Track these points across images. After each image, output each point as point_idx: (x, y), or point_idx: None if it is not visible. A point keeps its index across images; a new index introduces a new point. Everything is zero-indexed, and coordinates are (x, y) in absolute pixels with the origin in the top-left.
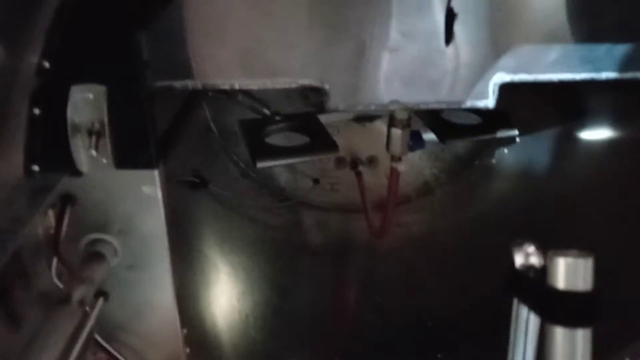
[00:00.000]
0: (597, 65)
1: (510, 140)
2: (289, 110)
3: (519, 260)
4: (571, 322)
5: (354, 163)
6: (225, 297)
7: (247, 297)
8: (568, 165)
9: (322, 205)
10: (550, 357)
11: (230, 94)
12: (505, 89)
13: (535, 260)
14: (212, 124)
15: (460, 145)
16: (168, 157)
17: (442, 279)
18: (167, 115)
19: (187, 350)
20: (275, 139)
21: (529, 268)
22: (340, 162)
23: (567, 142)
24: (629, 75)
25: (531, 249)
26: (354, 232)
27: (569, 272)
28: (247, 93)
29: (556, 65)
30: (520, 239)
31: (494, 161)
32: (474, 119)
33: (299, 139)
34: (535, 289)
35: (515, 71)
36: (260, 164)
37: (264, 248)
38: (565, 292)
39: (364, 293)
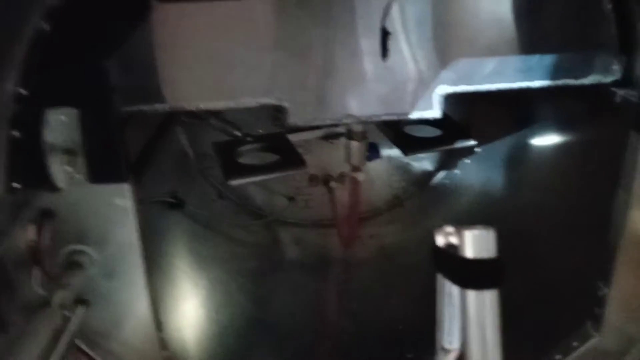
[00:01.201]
0: (530, 75)
1: (469, 151)
2: (259, 131)
3: (440, 240)
4: (480, 284)
5: (326, 180)
6: (204, 310)
7: (226, 310)
8: (525, 169)
9: (298, 221)
10: (466, 319)
11: (203, 118)
12: (464, 103)
13: (453, 239)
14: (188, 148)
15: (426, 159)
16: (144, 176)
17: (413, 285)
18: (143, 138)
19: (166, 352)
20: (248, 159)
21: (449, 246)
22: (312, 179)
23: (523, 148)
24: (559, 82)
25: (450, 229)
26: (328, 246)
27: (475, 243)
28: (219, 116)
29: (493, 76)
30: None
31: (457, 172)
32: (434, 132)
33: (269, 158)
34: (452, 261)
35: (456, 83)
36: (233, 182)
37: (241, 264)
38: (473, 260)
39: (340, 302)
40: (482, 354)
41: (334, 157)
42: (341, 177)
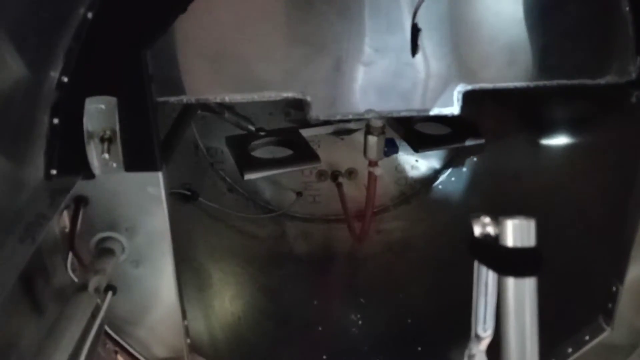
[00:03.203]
0: (548, 74)
1: (479, 149)
2: (272, 126)
3: (477, 229)
4: (520, 272)
5: (335, 175)
6: (218, 300)
7: (239, 300)
8: (533, 169)
9: (306, 216)
10: (505, 306)
11: (217, 112)
12: (474, 102)
13: (490, 229)
14: (199, 143)
15: (433, 156)
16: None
17: (420, 279)
18: (163, 130)
19: (188, 340)
20: (261, 153)
21: (486, 235)
22: (321, 175)
23: (532, 148)
24: (576, 82)
25: (487, 219)
26: (336, 240)
27: (516, 232)
28: (233, 111)
29: (512, 74)
30: (477, 213)
31: (465, 169)
32: (445, 130)
33: (282, 152)
34: (491, 249)
35: (476, 80)
36: (248, 176)
37: (252, 256)
38: (513, 249)
39: (348, 295)
40: (520, 340)
41: (343, 153)
42: (349, 174)
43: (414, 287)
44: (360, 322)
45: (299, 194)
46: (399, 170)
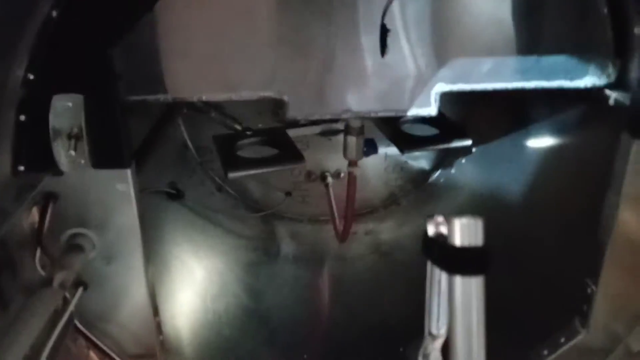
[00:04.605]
0: (526, 76)
1: (467, 150)
2: (259, 126)
3: (430, 229)
4: (466, 271)
5: (323, 176)
6: (200, 298)
7: (221, 299)
8: (519, 170)
9: (294, 216)
10: (453, 304)
11: (204, 112)
12: (464, 104)
13: (443, 228)
14: (188, 142)
15: (423, 158)
16: (144, 166)
17: (406, 281)
18: (144, 129)
19: (161, 337)
20: (247, 152)
21: (439, 235)
22: (310, 175)
23: (517, 148)
24: (555, 84)
25: (440, 219)
26: (324, 241)
27: (463, 231)
28: (220, 110)
29: (490, 75)
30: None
31: (453, 171)
32: (432, 132)
33: (268, 152)
34: (441, 248)
35: (453, 81)
36: (232, 175)
37: (238, 255)
38: (460, 248)
39: (334, 295)
40: (467, 337)
41: (331, 154)
42: (337, 174)
43: (400, 289)
44: (343, 322)
45: (288, 194)
46: (388, 171)
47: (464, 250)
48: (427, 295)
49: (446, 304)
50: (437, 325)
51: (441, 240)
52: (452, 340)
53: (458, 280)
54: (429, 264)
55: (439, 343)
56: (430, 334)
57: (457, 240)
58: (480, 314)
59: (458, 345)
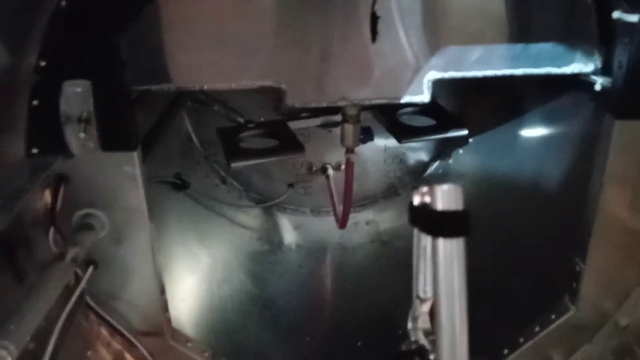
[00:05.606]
0: (515, 63)
1: (464, 141)
2: (261, 119)
3: (416, 199)
4: (448, 233)
5: (324, 168)
6: (206, 284)
7: (226, 285)
8: (515, 157)
9: (297, 207)
10: (437, 266)
11: (207, 105)
12: (460, 95)
13: (427, 198)
14: (193, 136)
15: (422, 149)
16: (150, 157)
17: (406, 268)
18: (150, 120)
19: (168, 315)
20: (249, 144)
21: (424, 204)
22: (311, 168)
23: (510, 136)
24: (543, 70)
25: (425, 189)
26: (326, 230)
27: (444, 197)
28: (223, 104)
29: (480, 63)
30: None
31: (451, 161)
32: (429, 122)
33: (270, 143)
34: (425, 215)
35: (445, 69)
36: (234, 164)
37: (242, 244)
38: (442, 212)
39: (335, 281)
40: (449, 297)
41: (331, 147)
42: (338, 166)
43: (400, 275)
44: (345, 307)
45: (290, 186)
46: (387, 163)
47: (445, 214)
48: (414, 261)
49: (431, 267)
50: (424, 289)
51: (425, 208)
52: (436, 300)
53: (441, 242)
54: (415, 232)
55: (426, 306)
56: (418, 297)
57: (439, 205)
58: (462, 275)
59: (442, 304)
